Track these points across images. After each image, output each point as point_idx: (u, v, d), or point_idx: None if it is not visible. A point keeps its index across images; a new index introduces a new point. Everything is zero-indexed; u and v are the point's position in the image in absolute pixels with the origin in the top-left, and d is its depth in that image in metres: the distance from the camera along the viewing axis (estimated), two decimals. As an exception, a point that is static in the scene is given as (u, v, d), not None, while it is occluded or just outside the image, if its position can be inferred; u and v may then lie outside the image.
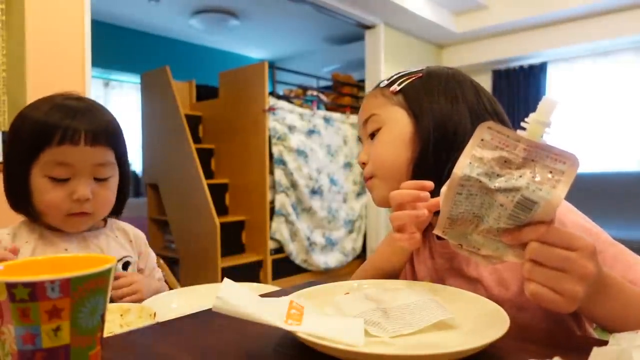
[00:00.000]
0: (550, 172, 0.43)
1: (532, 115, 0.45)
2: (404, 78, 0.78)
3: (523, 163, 0.44)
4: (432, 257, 0.79)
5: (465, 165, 0.46)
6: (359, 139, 0.85)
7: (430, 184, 0.62)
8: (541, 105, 0.44)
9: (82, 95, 0.89)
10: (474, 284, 0.72)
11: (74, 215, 0.84)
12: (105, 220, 0.96)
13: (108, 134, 0.85)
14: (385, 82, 0.81)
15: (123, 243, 0.96)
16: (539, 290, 0.47)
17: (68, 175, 0.82)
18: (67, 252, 0.86)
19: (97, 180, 0.85)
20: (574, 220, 0.67)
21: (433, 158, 0.71)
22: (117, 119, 0.90)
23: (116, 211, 0.94)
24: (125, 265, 0.94)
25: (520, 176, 0.44)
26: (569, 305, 0.47)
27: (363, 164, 0.80)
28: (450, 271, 0.76)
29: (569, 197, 0.73)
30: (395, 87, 0.77)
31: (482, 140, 0.46)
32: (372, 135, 0.78)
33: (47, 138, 0.79)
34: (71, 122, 0.80)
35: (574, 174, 0.43)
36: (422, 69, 0.79)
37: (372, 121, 0.78)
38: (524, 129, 0.45)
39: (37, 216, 0.85)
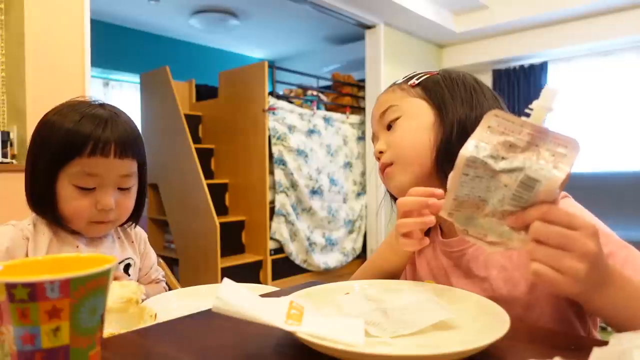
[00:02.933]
0: (553, 154, 0.45)
1: (535, 102, 0.47)
2: (421, 74, 0.80)
3: (527, 147, 0.46)
4: (436, 257, 0.79)
5: (472, 147, 0.48)
6: (372, 138, 0.85)
7: (440, 191, 0.62)
8: (544, 92, 0.47)
9: (87, 97, 0.91)
10: (481, 282, 0.71)
11: (97, 222, 0.86)
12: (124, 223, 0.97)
13: (134, 144, 0.87)
14: (401, 80, 0.82)
15: (126, 245, 0.98)
16: (541, 269, 0.46)
17: (94, 185, 0.83)
18: (78, 250, 0.88)
19: (120, 189, 0.87)
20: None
21: (458, 143, 0.71)
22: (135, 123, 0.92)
23: (135, 218, 0.96)
24: (127, 267, 0.95)
25: (524, 158, 0.46)
26: (571, 285, 0.46)
27: (380, 153, 0.79)
28: (456, 270, 0.75)
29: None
30: (414, 81, 0.79)
31: (489, 127, 0.48)
32: (389, 127, 0.79)
33: (78, 148, 0.81)
34: (102, 133, 0.82)
35: (575, 157, 0.45)
36: (438, 70, 0.81)
37: (390, 111, 0.78)
38: (527, 115, 0.47)
39: (59, 220, 0.86)
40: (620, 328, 0.55)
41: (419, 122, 0.76)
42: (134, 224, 1.00)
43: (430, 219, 0.61)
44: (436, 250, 0.79)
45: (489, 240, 0.52)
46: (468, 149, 0.48)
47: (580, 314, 0.68)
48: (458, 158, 0.48)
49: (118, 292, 0.71)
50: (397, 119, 0.78)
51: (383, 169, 0.79)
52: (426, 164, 0.74)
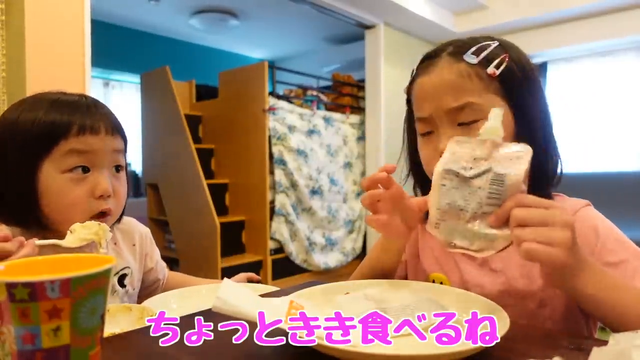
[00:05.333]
0: (510, 158, 0.54)
1: (486, 123, 0.56)
2: (499, 58, 0.68)
3: (489, 155, 0.55)
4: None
5: (445, 161, 0.56)
6: (420, 121, 0.72)
7: (392, 166, 0.62)
8: (491, 114, 0.57)
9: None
10: (495, 275, 0.70)
11: (95, 217, 0.77)
12: None
13: (118, 123, 0.82)
14: (474, 58, 0.68)
15: (123, 251, 0.90)
16: (532, 246, 0.48)
17: (88, 163, 0.76)
18: None
19: (114, 175, 0.80)
20: (606, 226, 0.68)
21: (540, 161, 0.66)
22: None
23: (118, 218, 0.88)
24: (122, 278, 0.88)
25: (489, 163, 0.54)
26: (563, 253, 0.49)
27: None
28: (467, 260, 0.74)
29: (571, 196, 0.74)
30: (495, 70, 0.67)
31: (454, 152, 0.57)
32: (460, 124, 0.68)
33: (62, 131, 0.73)
34: (87, 113, 0.76)
35: (529, 158, 0.53)
36: (498, 43, 0.69)
37: (470, 111, 0.66)
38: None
39: (41, 223, 0.76)
40: (610, 322, 0.56)
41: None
42: (119, 222, 0.90)
43: (383, 216, 0.63)
44: None
45: (475, 248, 0.54)
46: (442, 163, 0.56)
47: (585, 315, 0.69)
48: (434, 172, 0.56)
49: (79, 234, 0.70)
50: (475, 120, 0.66)
51: None
52: None
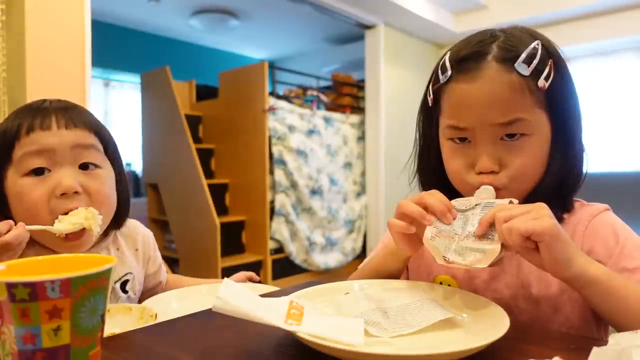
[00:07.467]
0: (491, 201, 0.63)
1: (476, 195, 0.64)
2: (547, 68, 0.64)
3: (480, 203, 0.62)
4: None
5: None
6: (452, 128, 0.66)
7: (456, 213, 0.61)
8: (480, 191, 0.64)
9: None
10: (510, 277, 0.69)
11: (69, 238, 0.73)
12: (105, 231, 0.84)
13: (86, 118, 0.76)
14: (526, 68, 0.62)
15: (126, 257, 0.89)
16: (524, 224, 0.51)
17: (45, 163, 0.72)
18: None
19: (84, 170, 0.75)
20: (625, 231, 0.69)
21: (570, 165, 0.69)
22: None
23: (121, 216, 0.85)
24: (124, 284, 0.86)
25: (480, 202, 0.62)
26: (552, 220, 0.52)
27: (492, 173, 0.64)
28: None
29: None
30: (545, 84, 0.63)
31: (454, 206, 0.63)
32: (502, 137, 0.64)
33: (14, 134, 0.72)
34: (37, 114, 0.73)
35: (500, 199, 0.61)
36: (541, 45, 0.65)
37: (517, 125, 0.63)
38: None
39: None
40: (613, 311, 0.56)
41: (544, 145, 0.66)
42: (118, 228, 0.86)
43: (412, 229, 0.61)
44: None
45: (467, 262, 0.56)
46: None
47: (600, 323, 0.68)
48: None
49: (69, 219, 0.70)
50: (523, 134, 0.63)
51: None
52: (522, 196, 0.67)
